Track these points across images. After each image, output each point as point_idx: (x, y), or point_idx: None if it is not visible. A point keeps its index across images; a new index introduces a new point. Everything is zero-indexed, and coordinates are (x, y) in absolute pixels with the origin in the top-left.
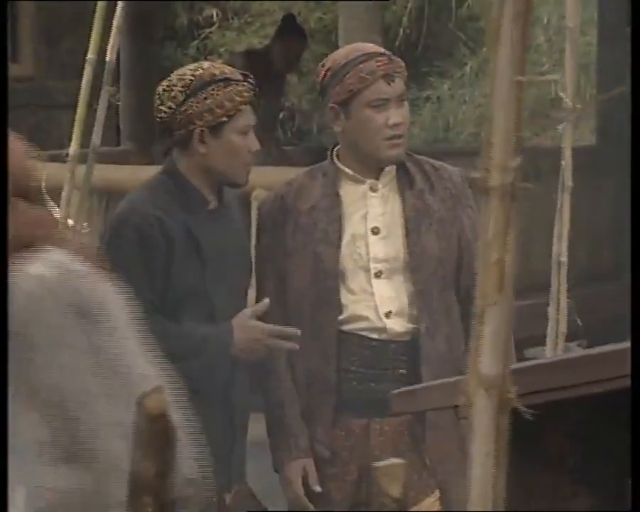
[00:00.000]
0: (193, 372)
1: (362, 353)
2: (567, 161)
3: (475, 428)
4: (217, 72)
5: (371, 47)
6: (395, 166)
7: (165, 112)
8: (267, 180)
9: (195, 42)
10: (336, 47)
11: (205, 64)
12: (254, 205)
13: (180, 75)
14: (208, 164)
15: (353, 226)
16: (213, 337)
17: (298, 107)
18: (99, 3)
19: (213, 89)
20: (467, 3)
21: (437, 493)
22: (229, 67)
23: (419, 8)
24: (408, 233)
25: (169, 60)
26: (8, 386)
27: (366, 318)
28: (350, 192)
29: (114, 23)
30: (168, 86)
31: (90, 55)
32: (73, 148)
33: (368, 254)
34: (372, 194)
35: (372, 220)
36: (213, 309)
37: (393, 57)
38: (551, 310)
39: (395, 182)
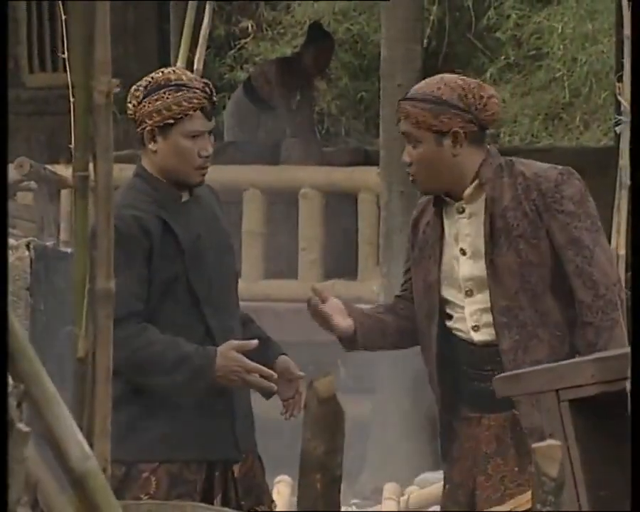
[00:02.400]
0: (169, 385)
1: (466, 356)
2: (624, 161)
3: None
4: (173, 77)
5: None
6: (475, 186)
7: (130, 110)
8: (310, 178)
9: (232, 51)
10: (363, 56)
11: (167, 69)
12: (302, 203)
13: (147, 78)
14: (159, 162)
15: (449, 246)
16: (196, 358)
17: (327, 112)
18: (188, 18)
19: (165, 92)
20: (487, 15)
21: None
22: (189, 74)
23: (439, 20)
24: (486, 255)
25: (207, 68)
26: (7, 386)
27: (460, 330)
28: (448, 211)
29: (201, 34)
30: (135, 87)
31: (179, 64)
32: None
33: (459, 273)
34: (460, 216)
35: (461, 241)
36: (196, 296)
37: (402, 101)
38: None
39: (482, 201)
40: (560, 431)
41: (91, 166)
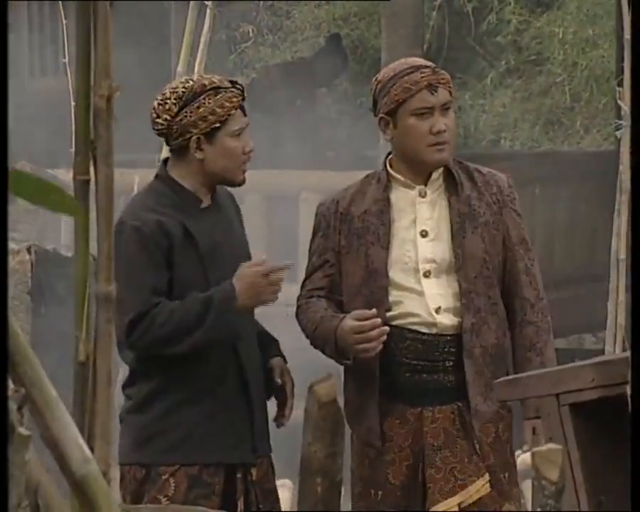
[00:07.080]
0: (203, 337)
1: (414, 346)
2: (625, 165)
3: None
4: (207, 82)
5: (417, 61)
6: (441, 172)
7: (161, 124)
8: (311, 182)
9: (232, 56)
10: (363, 61)
11: (195, 76)
12: (302, 206)
13: (173, 88)
14: (206, 168)
15: (402, 230)
16: (216, 294)
17: (327, 116)
18: (188, 22)
19: (204, 98)
20: (487, 19)
21: (487, 476)
22: (218, 77)
23: (439, 24)
24: (454, 236)
25: (208, 72)
26: (8, 386)
27: (417, 315)
28: (400, 197)
29: (202, 39)
30: (162, 100)
31: (180, 69)
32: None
33: (417, 255)
34: (421, 199)
35: (420, 224)
36: None
37: (438, 69)
38: (610, 303)
39: (443, 188)
40: (560, 435)
41: (92, 170)
